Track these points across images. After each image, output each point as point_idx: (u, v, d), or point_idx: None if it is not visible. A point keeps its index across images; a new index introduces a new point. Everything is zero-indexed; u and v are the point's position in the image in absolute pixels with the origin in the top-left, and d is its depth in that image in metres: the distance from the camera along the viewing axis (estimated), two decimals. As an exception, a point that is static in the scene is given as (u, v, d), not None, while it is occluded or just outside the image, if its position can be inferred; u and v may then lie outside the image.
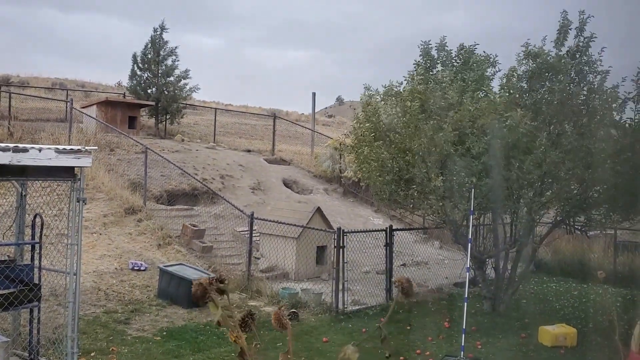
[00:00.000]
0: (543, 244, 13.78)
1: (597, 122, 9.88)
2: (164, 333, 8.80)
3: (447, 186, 10.16)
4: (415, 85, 10.75)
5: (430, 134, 9.87)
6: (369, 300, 11.43)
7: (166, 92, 22.21)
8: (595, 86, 10.02)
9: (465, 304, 8.51)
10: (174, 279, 10.21)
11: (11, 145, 5.48)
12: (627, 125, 10.02)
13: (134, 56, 22.33)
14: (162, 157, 15.90)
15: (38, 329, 6.60)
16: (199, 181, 15.96)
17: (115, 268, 11.23)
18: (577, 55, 10.04)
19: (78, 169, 6.02)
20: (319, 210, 13.49)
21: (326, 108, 70.49)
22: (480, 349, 8.89)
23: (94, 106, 20.20)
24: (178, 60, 22.47)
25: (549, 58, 9.95)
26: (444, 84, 10.50)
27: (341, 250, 10.82)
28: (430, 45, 11.10)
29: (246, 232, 12.86)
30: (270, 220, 12.94)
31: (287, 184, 19.34)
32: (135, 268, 11.31)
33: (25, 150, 5.47)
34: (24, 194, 6.89)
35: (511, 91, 10.23)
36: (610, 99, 9.88)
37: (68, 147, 5.84)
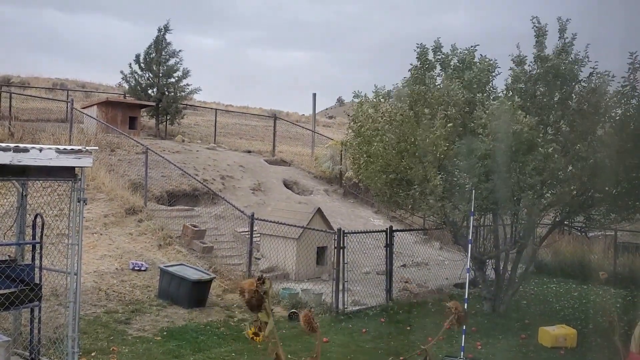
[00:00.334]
0: (543, 245, 13.80)
1: (596, 120, 9.96)
2: (165, 333, 8.81)
3: (446, 187, 10.16)
4: (409, 85, 10.77)
5: (422, 132, 9.88)
6: (369, 301, 11.45)
7: (167, 93, 22.25)
8: (593, 85, 10.11)
9: (466, 304, 8.53)
10: (174, 279, 10.23)
11: (12, 145, 5.48)
12: (622, 121, 10.08)
13: (137, 57, 22.35)
14: (163, 157, 15.90)
15: (39, 328, 6.60)
16: (200, 182, 15.96)
17: (116, 268, 11.23)
18: (563, 55, 10.21)
19: (79, 169, 6.03)
20: (319, 211, 13.50)
21: (327, 109, 70.49)
22: (480, 350, 8.90)
23: (95, 106, 20.19)
24: (181, 63, 22.52)
25: (555, 62, 10.08)
26: (442, 84, 10.51)
27: (341, 250, 10.84)
28: (426, 48, 10.96)
29: (247, 233, 12.88)
30: (270, 221, 12.96)
31: (287, 184, 19.35)
32: (135, 268, 11.32)
33: (26, 150, 5.47)
34: (24, 194, 6.90)
35: (516, 98, 10.24)
36: (607, 97, 9.97)
37: (69, 147, 5.84)
